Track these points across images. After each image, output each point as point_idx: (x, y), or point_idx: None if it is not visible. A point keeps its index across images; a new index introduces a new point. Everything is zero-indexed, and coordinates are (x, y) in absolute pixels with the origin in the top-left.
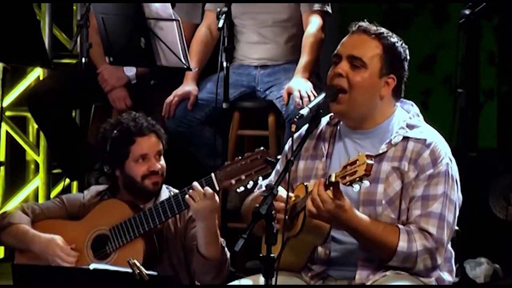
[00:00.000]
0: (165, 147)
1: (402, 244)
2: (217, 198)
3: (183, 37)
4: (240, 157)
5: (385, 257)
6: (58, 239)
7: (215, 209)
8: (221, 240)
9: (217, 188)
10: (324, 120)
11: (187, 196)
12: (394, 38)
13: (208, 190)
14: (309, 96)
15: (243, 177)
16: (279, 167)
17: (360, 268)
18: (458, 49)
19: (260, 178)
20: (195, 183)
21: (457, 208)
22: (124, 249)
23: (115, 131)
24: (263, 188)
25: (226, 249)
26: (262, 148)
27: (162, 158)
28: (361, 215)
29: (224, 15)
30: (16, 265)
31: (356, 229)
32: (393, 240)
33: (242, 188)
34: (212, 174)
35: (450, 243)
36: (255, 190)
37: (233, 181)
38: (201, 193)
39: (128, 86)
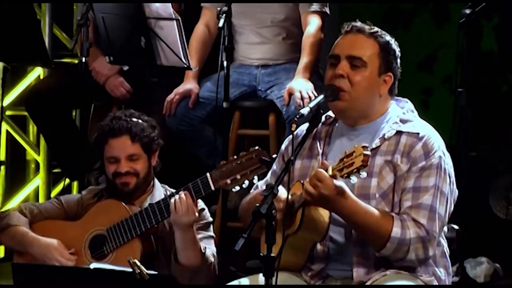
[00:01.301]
0: (155, 146)
1: (396, 230)
2: (196, 213)
3: (184, 36)
4: (235, 157)
5: (379, 243)
6: (57, 243)
7: (192, 224)
8: (203, 246)
9: (213, 188)
10: None
11: (171, 202)
12: (388, 36)
13: (190, 204)
14: (310, 97)
15: (238, 176)
16: (275, 167)
17: (356, 265)
18: (459, 49)
19: (256, 177)
20: (182, 194)
21: (449, 201)
22: (121, 250)
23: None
24: (259, 189)
25: (208, 255)
26: (257, 147)
27: (140, 160)
28: (358, 200)
29: (224, 15)
30: (16, 265)
31: (353, 212)
32: (387, 226)
33: (237, 188)
34: (208, 174)
35: (445, 240)
36: (251, 191)
37: (228, 181)
38: (185, 206)
39: (128, 81)
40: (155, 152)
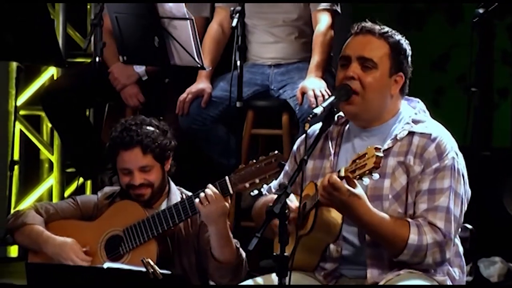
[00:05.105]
0: (168, 153)
1: (413, 237)
2: (227, 201)
3: (197, 36)
4: (254, 161)
5: (396, 250)
6: (72, 242)
7: (225, 212)
8: (235, 241)
9: (231, 191)
10: None
11: (196, 200)
12: (398, 36)
13: (216, 193)
14: (323, 95)
15: (257, 180)
16: (287, 167)
17: (370, 266)
18: (472, 48)
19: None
20: (209, 186)
21: (464, 202)
22: (137, 251)
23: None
24: (273, 190)
25: (241, 249)
26: (276, 152)
27: (153, 170)
28: (373, 209)
29: (237, 14)
30: (30, 264)
31: (369, 220)
32: (404, 233)
33: (256, 192)
34: (226, 177)
35: (459, 239)
36: (264, 193)
37: (247, 185)
38: (211, 197)
39: (140, 83)
40: (168, 158)
